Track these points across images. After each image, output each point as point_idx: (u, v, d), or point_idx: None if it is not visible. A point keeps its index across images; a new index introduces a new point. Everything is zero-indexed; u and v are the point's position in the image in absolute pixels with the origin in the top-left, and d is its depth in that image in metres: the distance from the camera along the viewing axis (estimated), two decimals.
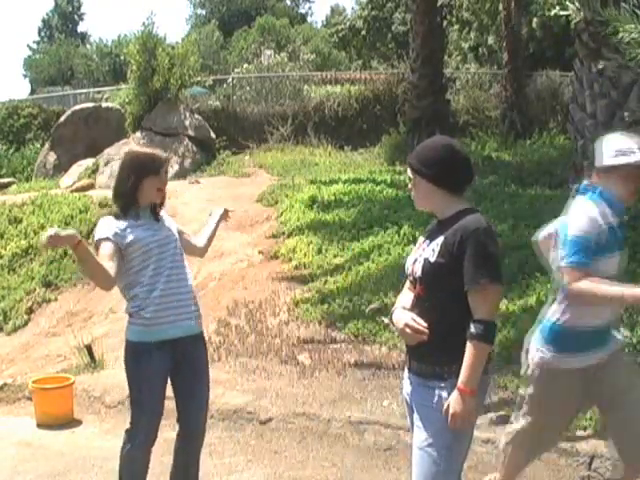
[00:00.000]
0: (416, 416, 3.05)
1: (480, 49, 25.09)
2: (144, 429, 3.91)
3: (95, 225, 11.54)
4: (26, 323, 9.13)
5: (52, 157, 15.68)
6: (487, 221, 3.00)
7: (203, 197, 11.91)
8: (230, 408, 5.65)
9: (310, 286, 7.96)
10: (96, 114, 16.00)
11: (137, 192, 3.74)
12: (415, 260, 3.08)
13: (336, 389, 5.87)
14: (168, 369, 3.85)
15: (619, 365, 3.69)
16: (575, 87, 10.10)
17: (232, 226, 10.53)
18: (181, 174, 14.01)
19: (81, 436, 5.63)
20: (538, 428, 3.71)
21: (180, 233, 4.01)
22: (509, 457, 3.91)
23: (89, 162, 14.65)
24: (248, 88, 18.83)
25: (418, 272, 3.03)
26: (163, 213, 3.97)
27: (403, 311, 3.08)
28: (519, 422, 3.81)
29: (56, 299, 9.48)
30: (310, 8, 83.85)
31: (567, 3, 4.57)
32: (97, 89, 24.67)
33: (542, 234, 3.88)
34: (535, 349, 3.63)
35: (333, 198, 10.44)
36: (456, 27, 25.22)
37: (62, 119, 16.09)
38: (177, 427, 4.02)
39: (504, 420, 5.07)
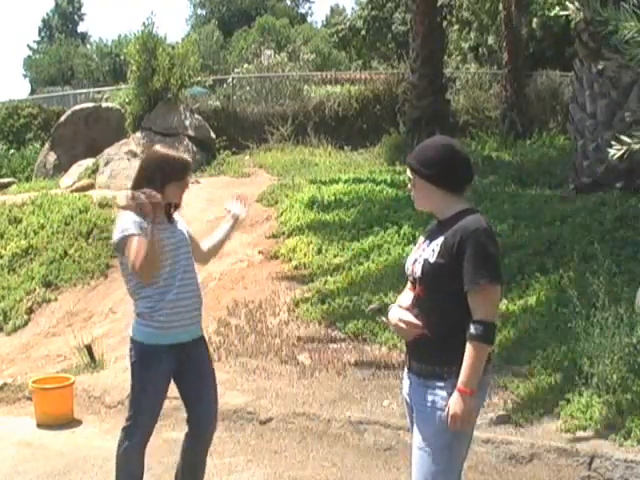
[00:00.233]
0: (416, 416, 3.05)
1: (480, 49, 25.07)
2: (142, 428, 3.91)
3: (95, 225, 11.35)
4: (26, 323, 9.12)
5: (52, 157, 15.66)
6: (487, 221, 3.00)
7: (203, 197, 11.91)
8: (230, 408, 5.65)
9: (310, 286, 7.95)
10: (96, 114, 15.98)
11: (160, 193, 3.75)
12: (415, 260, 3.09)
13: (336, 389, 5.87)
14: (173, 370, 3.87)
15: None
16: (575, 87, 10.10)
17: None
18: None
19: (81, 436, 5.63)
20: None
21: (190, 237, 4.02)
22: None
23: (89, 162, 14.64)
24: (248, 88, 18.82)
25: (418, 272, 3.03)
26: (177, 215, 3.98)
27: (397, 308, 3.10)
28: None
29: (56, 299, 9.47)
30: (310, 8, 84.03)
31: (567, 3, 4.58)
32: (97, 89, 24.65)
33: None
34: None
35: (333, 198, 10.44)
36: (456, 27, 25.20)
37: (62, 119, 16.07)
38: (185, 428, 4.00)
39: (504, 420, 5.09)
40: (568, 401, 5.11)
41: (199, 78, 17.39)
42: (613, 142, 5.24)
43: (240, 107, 17.19)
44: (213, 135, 15.19)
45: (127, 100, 16.11)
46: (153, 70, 14.78)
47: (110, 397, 6.14)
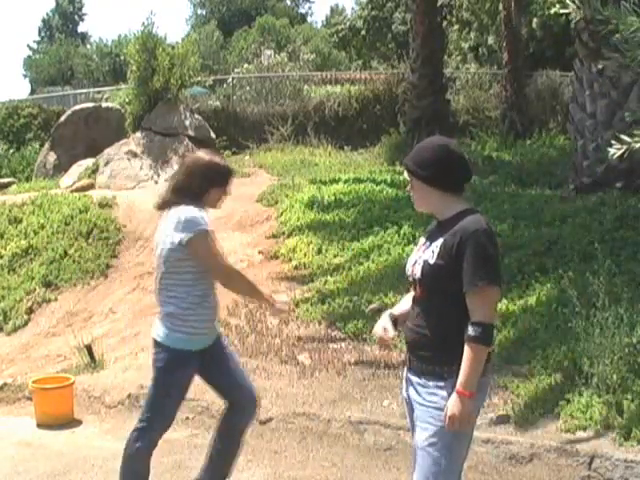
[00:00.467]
0: (416, 416, 3.05)
1: (480, 49, 25.08)
2: (158, 430, 3.93)
3: (95, 225, 11.33)
4: (26, 323, 9.12)
5: (52, 157, 15.65)
6: (487, 222, 3.00)
7: None
8: None
9: (310, 286, 7.95)
10: (96, 114, 15.97)
11: (202, 196, 3.81)
12: (415, 262, 3.09)
13: (336, 389, 5.87)
14: (196, 371, 3.95)
15: None
16: (575, 87, 10.10)
17: (232, 226, 10.54)
18: None
19: (81, 436, 5.63)
20: None
21: None
22: None
23: (89, 162, 14.63)
24: (248, 88, 18.82)
25: (417, 274, 3.04)
26: None
27: (383, 319, 3.19)
28: None
29: (56, 299, 9.47)
30: (310, 8, 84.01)
31: (567, 1, 4.56)
32: (97, 89, 24.64)
33: None
34: None
35: (333, 198, 10.44)
36: (456, 27, 25.21)
37: (62, 119, 16.06)
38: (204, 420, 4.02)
39: (504, 420, 5.09)
40: (568, 401, 5.11)
41: (199, 78, 17.38)
42: (613, 141, 5.24)
43: (240, 107, 17.20)
44: (213, 135, 15.18)
45: (127, 100, 16.09)
46: (153, 70, 14.77)
47: (110, 397, 6.14)
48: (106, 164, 14.30)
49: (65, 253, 10.29)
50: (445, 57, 17.21)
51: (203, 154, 4.04)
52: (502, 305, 6.48)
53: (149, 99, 14.98)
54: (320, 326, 7.06)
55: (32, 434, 5.65)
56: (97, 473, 4.90)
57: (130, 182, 13.83)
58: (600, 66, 9.26)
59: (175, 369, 3.83)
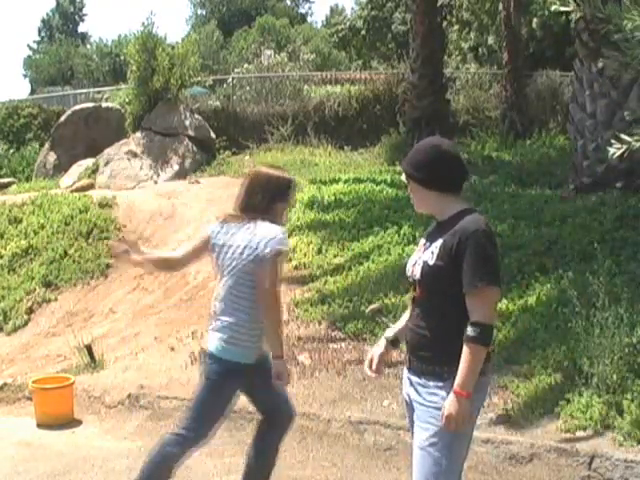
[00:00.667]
0: (416, 416, 3.05)
1: (480, 49, 25.07)
2: (198, 440, 3.92)
3: (95, 225, 11.36)
4: (26, 323, 9.13)
5: (52, 157, 15.66)
6: (486, 222, 3.00)
7: (203, 197, 11.91)
8: None
9: (310, 286, 7.95)
10: (96, 114, 15.98)
11: (269, 211, 3.82)
12: (415, 262, 3.09)
13: (336, 389, 5.87)
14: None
15: None
16: (575, 87, 10.10)
17: None
18: (181, 174, 14.01)
19: (81, 436, 5.63)
20: None
21: None
22: None
23: (89, 162, 14.65)
24: (248, 88, 18.81)
25: (417, 275, 3.04)
26: None
27: (376, 347, 3.27)
28: None
29: (56, 299, 9.48)
30: (310, 8, 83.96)
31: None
32: (97, 89, 24.62)
33: None
34: None
35: (333, 198, 10.44)
36: (456, 27, 25.18)
37: (62, 119, 16.07)
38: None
39: (504, 420, 5.09)
40: (568, 401, 5.11)
41: (199, 78, 17.39)
42: (613, 141, 5.23)
43: (240, 107, 17.18)
44: (213, 135, 15.19)
45: (127, 100, 16.11)
46: (153, 70, 14.78)
47: (110, 397, 6.14)
48: (106, 164, 14.31)
49: (65, 253, 10.30)
50: (445, 57, 17.18)
51: (261, 169, 4.02)
52: (502, 305, 6.48)
53: (149, 99, 15.00)
54: (320, 326, 7.06)
55: (32, 434, 5.65)
56: (97, 473, 4.90)
57: (130, 182, 13.84)
58: (600, 66, 9.26)
59: (227, 382, 3.84)
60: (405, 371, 3.17)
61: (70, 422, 5.82)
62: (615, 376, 5.06)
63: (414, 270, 3.07)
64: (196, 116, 15.37)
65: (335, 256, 8.60)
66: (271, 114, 16.39)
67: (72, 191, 13.08)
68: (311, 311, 7.32)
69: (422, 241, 3.17)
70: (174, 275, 9.42)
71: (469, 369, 2.86)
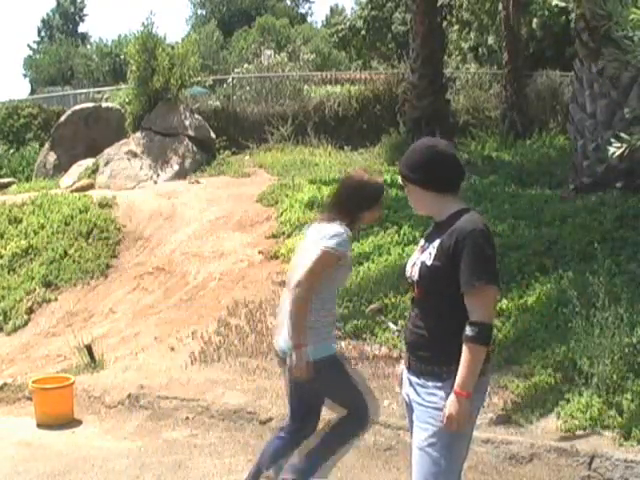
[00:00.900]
0: (416, 416, 3.05)
1: (480, 49, 25.06)
2: (366, 409, 4.06)
3: (95, 225, 11.34)
4: (26, 323, 9.13)
5: (52, 157, 15.66)
6: (483, 221, 3.00)
7: (203, 197, 11.91)
8: (230, 408, 5.65)
9: None
10: (96, 114, 15.98)
11: (360, 215, 3.91)
12: (414, 263, 3.09)
13: None
14: None
15: None
16: (575, 87, 10.10)
17: (232, 226, 10.54)
18: (181, 174, 14.01)
19: (81, 436, 5.63)
20: None
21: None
22: None
23: (89, 162, 14.65)
24: (248, 88, 18.80)
25: (415, 275, 3.04)
26: None
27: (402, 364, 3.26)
28: None
29: (56, 299, 9.48)
30: (310, 8, 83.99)
31: None
32: (97, 89, 24.62)
33: None
34: None
35: None
36: (456, 27, 25.18)
37: (62, 119, 16.07)
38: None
39: (504, 420, 5.09)
40: (568, 401, 5.11)
41: (199, 78, 17.39)
42: (612, 140, 5.23)
43: (240, 107, 17.19)
44: (213, 135, 15.19)
45: (127, 100, 16.11)
46: (153, 70, 14.78)
47: (110, 397, 6.14)
48: (106, 164, 14.31)
49: (65, 253, 10.30)
50: (445, 57, 17.18)
51: (353, 174, 4.09)
52: (502, 305, 6.48)
53: (149, 99, 15.00)
54: None
55: (32, 434, 5.65)
56: (97, 473, 4.90)
57: (130, 182, 13.84)
58: (600, 66, 9.27)
59: (333, 370, 4.01)
60: (405, 371, 3.17)
61: (70, 422, 5.82)
62: (615, 376, 5.06)
63: (413, 271, 3.08)
64: (196, 116, 15.37)
65: None
66: (271, 114, 16.39)
67: (72, 191, 13.08)
68: None
69: (421, 242, 3.17)
70: (174, 275, 9.44)
71: (469, 369, 2.86)
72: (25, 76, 58.07)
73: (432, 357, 2.98)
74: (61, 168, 15.11)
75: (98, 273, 9.88)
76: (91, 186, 13.69)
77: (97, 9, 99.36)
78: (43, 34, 60.34)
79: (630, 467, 4.42)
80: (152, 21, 15.21)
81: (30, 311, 9.29)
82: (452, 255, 2.92)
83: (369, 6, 35.30)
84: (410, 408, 3.11)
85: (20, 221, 11.49)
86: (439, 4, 15.90)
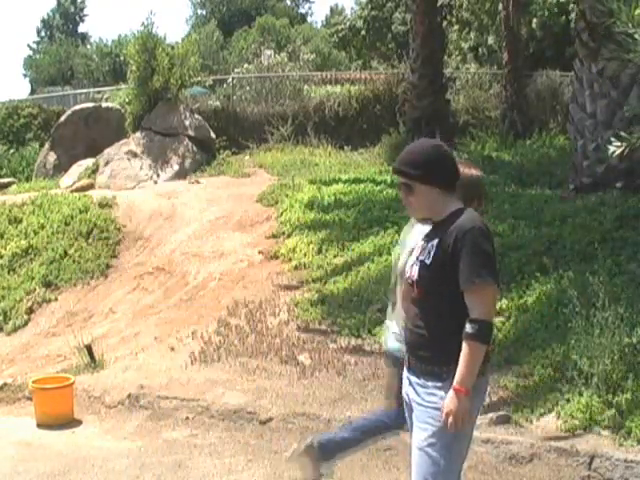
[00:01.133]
0: (415, 416, 3.05)
1: (480, 49, 25.07)
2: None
3: (95, 225, 11.39)
4: (26, 323, 9.12)
5: (52, 157, 15.65)
6: (482, 220, 3.00)
7: (203, 197, 11.91)
8: (230, 408, 5.65)
9: (310, 286, 7.95)
10: (96, 114, 15.97)
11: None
12: (412, 263, 3.09)
13: (336, 389, 5.87)
14: None
15: None
16: (575, 87, 10.10)
17: (232, 226, 10.54)
18: (181, 174, 14.01)
19: (81, 436, 5.63)
20: None
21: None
22: None
23: (89, 162, 14.64)
24: (248, 88, 18.80)
25: (415, 275, 3.04)
26: None
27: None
28: None
29: (56, 299, 9.47)
30: (310, 8, 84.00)
31: None
32: (97, 89, 24.62)
33: None
34: None
35: (333, 198, 10.43)
36: (456, 27, 25.20)
37: (62, 119, 16.06)
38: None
39: (504, 420, 5.09)
40: (568, 401, 5.11)
41: (199, 78, 17.38)
42: (612, 139, 5.23)
43: (240, 107, 17.18)
44: (213, 135, 15.19)
45: (127, 100, 16.10)
46: (153, 70, 14.78)
47: (110, 397, 6.14)
48: (106, 164, 14.31)
49: (65, 253, 10.29)
50: (445, 57, 17.18)
51: (467, 170, 3.73)
52: (502, 305, 6.49)
53: (149, 99, 14.99)
54: (320, 326, 7.07)
55: (32, 434, 5.65)
56: (97, 473, 4.90)
57: (130, 182, 13.84)
58: (600, 66, 9.27)
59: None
60: (404, 371, 3.17)
61: (70, 422, 5.82)
62: (615, 376, 5.06)
63: (412, 271, 3.07)
64: (196, 116, 15.36)
65: (335, 256, 8.60)
66: (271, 114, 16.38)
67: (72, 191, 13.08)
68: (311, 311, 7.33)
69: (420, 242, 3.17)
70: (174, 275, 9.44)
71: (468, 366, 2.86)
72: (25, 76, 58.17)
73: (432, 357, 2.98)
74: (61, 168, 15.10)
75: (98, 273, 9.88)
76: (91, 186, 13.68)
77: (97, 9, 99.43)
78: (43, 34, 60.36)
79: (630, 467, 4.42)
80: (152, 21, 15.21)
81: (30, 311, 9.29)
82: (451, 253, 2.92)
83: (369, 6, 35.31)
84: (410, 408, 3.11)
85: (20, 221, 11.48)
86: (439, 4, 15.90)
